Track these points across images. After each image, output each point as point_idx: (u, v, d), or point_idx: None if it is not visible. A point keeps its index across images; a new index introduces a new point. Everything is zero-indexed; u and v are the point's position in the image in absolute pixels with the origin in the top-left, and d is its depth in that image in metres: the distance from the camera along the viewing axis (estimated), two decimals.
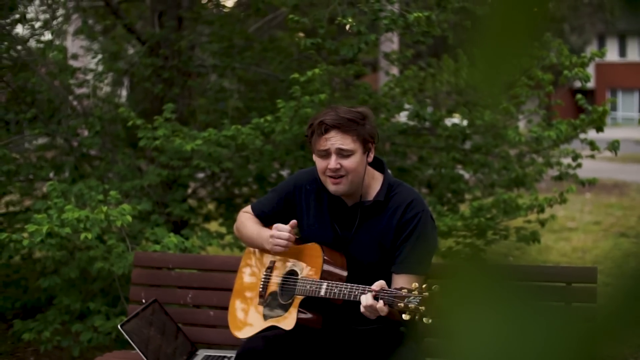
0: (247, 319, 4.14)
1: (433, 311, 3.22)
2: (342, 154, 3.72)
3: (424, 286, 3.30)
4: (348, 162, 3.73)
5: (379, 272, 3.70)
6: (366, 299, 3.46)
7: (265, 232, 4.06)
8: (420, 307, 3.24)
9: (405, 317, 3.29)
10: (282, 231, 3.88)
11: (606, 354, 0.76)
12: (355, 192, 3.86)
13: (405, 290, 3.35)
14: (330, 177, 3.77)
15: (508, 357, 0.79)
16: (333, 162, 3.73)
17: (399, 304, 3.32)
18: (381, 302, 3.42)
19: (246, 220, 4.23)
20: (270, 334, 3.87)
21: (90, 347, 6.08)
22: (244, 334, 4.09)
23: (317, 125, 3.75)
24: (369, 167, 3.88)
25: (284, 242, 3.88)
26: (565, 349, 0.78)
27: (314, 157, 3.86)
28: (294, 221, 3.93)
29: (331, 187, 3.80)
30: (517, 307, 0.80)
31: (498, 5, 0.80)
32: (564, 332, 0.79)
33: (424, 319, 3.23)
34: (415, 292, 3.30)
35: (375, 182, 3.91)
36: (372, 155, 3.84)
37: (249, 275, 4.28)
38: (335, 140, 3.71)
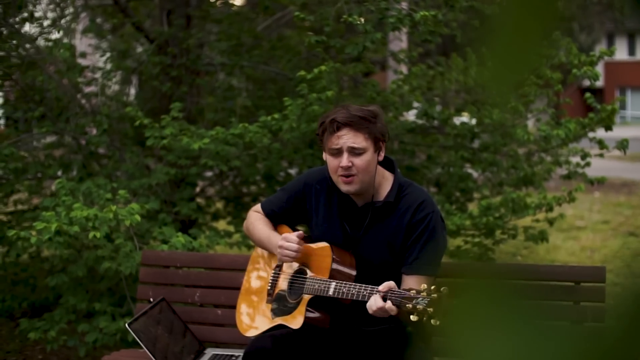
0: (255, 318, 4.13)
1: (441, 313, 3.20)
2: (354, 152, 3.71)
3: (432, 288, 3.29)
4: (359, 161, 3.72)
5: (388, 273, 3.69)
6: (375, 301, 3.45)
7: (275, 238, 4.05)
8: (428, 309, 3.23)
9: (413, 318, 3.27)
10: (291, 242, 3.87)
11: (617, 355, 0.76)
12: (366, 192, 3.84)
13: (414, 292, 3.33)
14: (342, 176, 3.75)
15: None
16: (345, 160, 3.71)
17: (407, 305, 3.30)
18: (389, 302, 3.40)
19: (256, 221, 4.22)
20: (278, 333, 3.86)
21: (97, 346, 6.08)
22: (251, 332, 4.08)
23: (328, 123, 3.73)
24: (379, 167, 3.86)
25: (292, 254, 3.88)
26: (575, 350, 0.77)
27: (326, 156, 3.84)
28: (300, 232, 3.93)
29: (343, 186, 3.79)
30: (524, 313, 0.79)
31: (509, 4, 0.79)
32: (573, 332, 0.78)
33: (432, 321, 3.21)
34: (424, 294, 3.29)
35: (385, 182, 3.89)
36: (382, 154, 3.83)
37: (257, 273, 4.28)
38: (347, 138, 3.70)
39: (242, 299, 4.29)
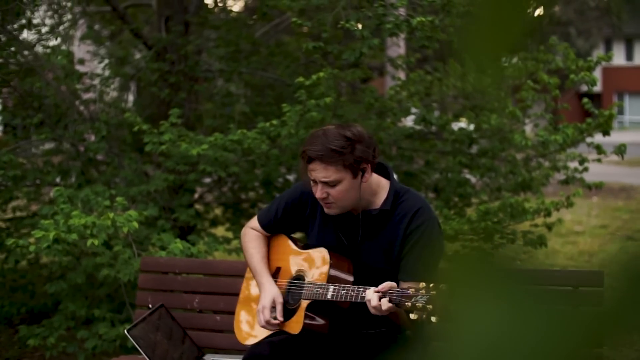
0: (254, 326, 4.13)
1: (440, 310, 3.21)
2: (328, 184, 3.68)
3: (431, 285, 3.29)
4: (334, 191, 3.68)
5: (385, 279, 3.67)
6: (372, 295, 3.45)
7: (260, 276, 4.07)
8: (427, 306, 3.23)
9: (412, 316, 3.28)
10: (264, 314, 3.89)
11: (612, 356, 0.76)
12: (357, 204, 3.83)
13: (413, 290, 3.34)
14: (321, 200, 3.76)
15: (514, 349, 0.79)
16: (319, 192, 3.69)
17: (406, 304, 3.31)
18: (385, 299, 3.41)
19: (248, 243, 4.19)
20: (277, 339, 3.86)
21: (97, 353, 6.08)
22: (250, 340, 4.08)
23: (301, 154, 3.72)
24: (374, 175, 3.83)
25: (261, 323, 3.92)
26: (571, 350, 0.78)
27: None
28: (280, 319, 3.93)
29: (325, 209, 3.80)
30: (521, 304, 0.80)
31: (482, 8, 0.80)
32: (569, 333, 0.78)
33: (432, 318, 3.22)
34: (423, 291, 3.30)
35: (381, 189, 3.87)
36: (367, 176, 3.74)
37: (255, 281, 4.27)
38: (319, 172, 3.66)
39: (240, 307, 4.29)
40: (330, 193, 3.68)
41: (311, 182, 3.74)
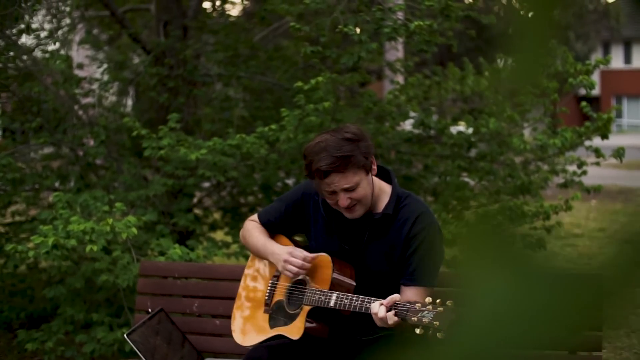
0: (252, 327, 4.12)
1: (447, 327, 3.20)
2: (349, 189, 3.68)
3: (437, 301, 3.27)
4: (357, 194, 3.68)
5: (386, 284, 3.68)
6: (379, 308, 3.44)
7: (270, 245, 4.05)
8: (434, 322, 3.22)
9: (418, 331, 3.26)
10: (296, 258, 3.84)
11: (611, 314, 0.77)
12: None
13: (419, 305, 3.32)
14: (344, 208, 3.75)
15: (514, 317, 0.80)
16: (343, 200, 3.68)
17: (412, 318, 3.29)
18: (392, 312, 3.40)
19: (252, 229, 4.20)
20: (275, 343, 3.86)
21: (95, 357, 6.08)
22: (248, 342, 4.08)
23: (315, 172, 3.67)
24: (375, 179, 3.84)
25: (294, 270, 3.85)
26: (570, 310, 0.78)
27: (318, 186, 3.81)
28: (315, 256, 3.87)
29: (348, 214, 3.77)
30: (523, 271, 0.81)
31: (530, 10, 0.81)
32: (569, 294, 0.79)
33: (438, 334, 3.20)
34: (430, 307, 3.28)
35: (383, 194, 3.87)
36: (374, 168, 3.79)
37: (254, 282, 4.26)
38: (339, 182, 3.64)
39: (237, 309, 4.28)
40: (353, 197, 3.68)
41: (328, 195, 3.73)
